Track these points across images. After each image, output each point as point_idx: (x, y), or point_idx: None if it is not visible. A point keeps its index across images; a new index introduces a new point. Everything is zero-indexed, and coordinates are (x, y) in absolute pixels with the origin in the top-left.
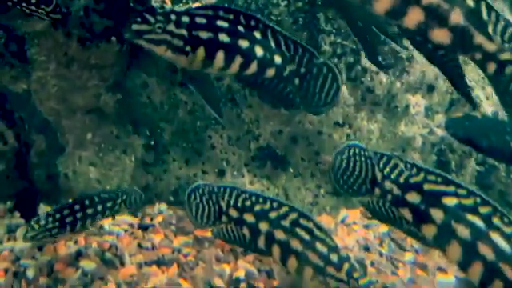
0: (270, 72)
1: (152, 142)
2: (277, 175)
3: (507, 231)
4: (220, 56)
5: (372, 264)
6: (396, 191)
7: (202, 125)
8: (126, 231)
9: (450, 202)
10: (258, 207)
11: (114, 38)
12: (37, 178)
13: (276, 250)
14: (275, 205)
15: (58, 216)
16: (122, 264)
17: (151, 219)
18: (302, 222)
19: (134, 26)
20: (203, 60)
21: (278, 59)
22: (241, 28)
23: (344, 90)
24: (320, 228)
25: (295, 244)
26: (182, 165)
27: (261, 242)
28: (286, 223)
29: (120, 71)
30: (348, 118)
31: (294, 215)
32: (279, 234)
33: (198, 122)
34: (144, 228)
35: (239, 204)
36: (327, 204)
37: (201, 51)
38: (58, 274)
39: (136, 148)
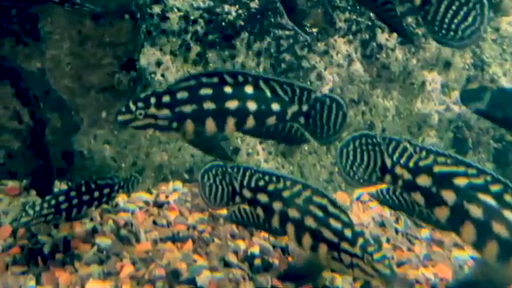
0: (271, 120)
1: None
2: (291, 152)
3: None
4: (210, 123)
5: (388, 240)
6: (407, 176)
7: None
8: (141, 208)
9: (461, 182)
10: (271, 186)
11: (127, 16)
12: (52, 156)
13: (290, 228)
14: (289, 183)
15: (53, 202)
16: (138, 240)
17: (166, 197)
18: (316, 199)
19: (119, 118)
20: (195, 130)
21: (276, 107)
22: (228, 89)
23: (359, 66)
24: (334, 204)
25: (309, 221)
26: None
27: (275, 222)
28: (299, 201)
29: (134, 49)
30: (363, 95)
31: (307, 193)
32: (293, 213)
33: None
34: (159, 205)
35: (252, 184)
36: (343, 181)
37: (189, 124)
38: (73, 251)
39: None
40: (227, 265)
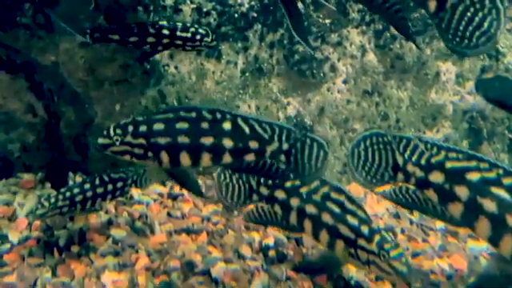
0: (249, 157)
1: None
2: None
3: None
4: (184, 157)
5: (402, 231)
6: (419, 173)
7: (230, 94)
8: (155, 201)
9: (474, 177)
10: (288, 183)
11: (140, 8)
12: (67, 149)
13: (308, 224)
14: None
15: (68, 195)
16: (152, 232)
17: (180, 189)
18: (334, 195)
19: (100, 140)
20: (170, 162)
21: (254, 145)
22: (204, 125)
23: (373, 57)
24: (352, 200)
25: (326, 218)
26: None
27: (292, 219)
28: (317, 197)
29: None
30: (377, 86)
31: (325, 189)
32: (310, 209)
33: (226, 91)
34: (173, 197)
35: (270, 181)
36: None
37: (164, 156)
38: (89, 243)
39: None
40: (242, 256)
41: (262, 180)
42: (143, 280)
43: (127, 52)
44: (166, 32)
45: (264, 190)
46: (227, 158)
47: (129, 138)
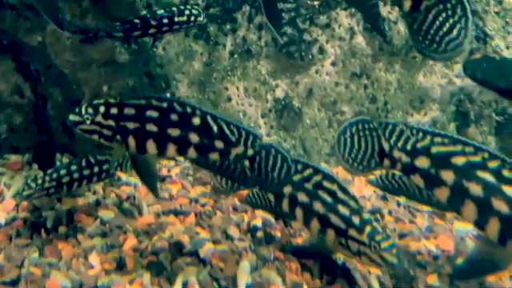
0: (214, 156)
1: (168, 94)
2: (293, 126)
3: None
4: (151, 144)
5: (390, 213)
6: (405, 159)
7: (219, 76)
8: None
9: (459, 161)
10: None
11: None
12: (54, 130)
13: (299, 212)
14: (300, 167)
15: (55, 176)
16: (140, 213)
17: (168, 170)
18: (326, 184)
19: (71, 117)
20: (136, 147)
21: (219, 144)
22: (174, 116)
23: (361, 40)
24: (344, 190)
25: (317, 206)
26: None
27: (285, 205)
28: (309, 186)
29: None
30: (365, 69)
31: (318, 177)
32: (302, 197)
33: (215, 73)
34: (161, 179)
35: None
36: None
37: (131, 140)
38: (76, 224)
39: None
40: (230, 237)
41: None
42: (131, 260)
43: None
44: (165, 21)
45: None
46: (192, 153)
47: (99, 118)
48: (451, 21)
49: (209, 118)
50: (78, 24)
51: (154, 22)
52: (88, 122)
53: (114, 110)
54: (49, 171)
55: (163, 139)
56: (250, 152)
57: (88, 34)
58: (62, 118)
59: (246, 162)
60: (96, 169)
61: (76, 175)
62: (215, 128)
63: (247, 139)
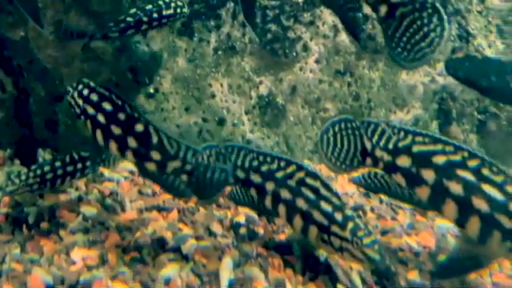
0: (150, 166)
1: (152, 90)
2: (277, 123)
3: (498, 180)
4: (99, 134)
5: (372, 210)
6: (387, 158)
7: (203, 73)
8: (126, 178)
9: (440, 160)
10: (265, 167)
11: None
12: (36, 125)
13: (282, 209)
14: (283, 164)
15: (38, 172)
16: (123, 209)
17: None
18: (309, 180)
19: (67, 88)
20: (91, 132)
21: (156, 156)
22: (121, 116)
23: (345, 37)
24: (327, 187)
25: (300, 203)
26: (182, 113)
27: (268, 202)
28: (292, 182)
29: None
30: (349, 66)
31: (300, 174)
32: (285, 194)
33: (199, 69)
34: None
35: (246, 164)
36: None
37: (88, 123)
38: (59, 220)
39: (135, 96)
40: (212, 233)
41: (238, 163)
42: (113, 256)
43: (99, 28)
44: (155, 15)
45: (240, 174)
46: (130, 156)
47: (75, 95)
48: (426, 29)
49: (151, 128)
50: (73, 27)
51: (145, 19)
52: (68, 96)
53: (85, 92)
54: (32, 167)
55: (107, 133)
56: (188, 167)
57: (84, 38)
58: (45, 113)
59: (184, 177)
60: (79, 165)
61: (60, 171)
62: (155, 139)
63: (186, 154)
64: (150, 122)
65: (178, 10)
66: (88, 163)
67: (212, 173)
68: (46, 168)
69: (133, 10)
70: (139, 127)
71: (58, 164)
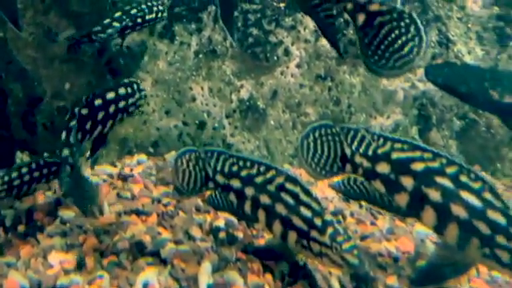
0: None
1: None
2: (258, 127)
3: (475, 187)
4: None
5: (352, 214)
6: (366, 164)
7: (183, 76)
8: (104, 181)
9: (418, 167)
10: (244, 172)
11: None
12: (14, 127)
13: (261, 214)
14: (262, 169)
15: (6, 179)
16: (101, 213)
17: (131, 170)
18: (288, 186)
19: None
20: None
21: (65, 152)
22: (84, 111)
23: (326, 42)
24: (306, 192)
25: (280, 208)
26: (163, 116)
27: (247, 207)
28: (271, 188)
29: (98, 20)
30: (330, 71)
31: (280, 179)
32: (264, 199)
33: (179, 73)
34: (123, 178)
35: (226, 169)
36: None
37: None
38: (36, 223)
39: None
40: (192, 238)
41: (218, 168)
42: (91, 260)
43: (78, 29)
44: (139, 20)
45: (220, 178)
46: None
47: None
48: (404, 38)
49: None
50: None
51: (130, 23)
52: None
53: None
54: (0, 174)
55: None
56: (70, 160)
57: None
58: (23, 115)
59: (68, 169)
60: (45, 171)
61: (27, 178)
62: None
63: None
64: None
65: (159, 15)
66: (53, 168)
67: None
68: (14, 174)
69: (118, 14)
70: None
71: (24, 170)
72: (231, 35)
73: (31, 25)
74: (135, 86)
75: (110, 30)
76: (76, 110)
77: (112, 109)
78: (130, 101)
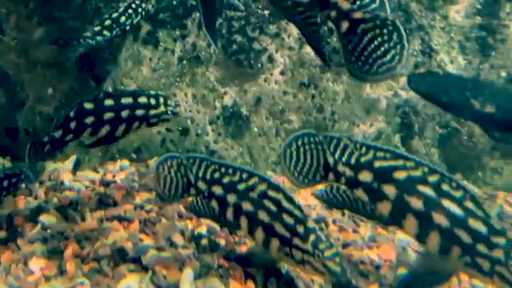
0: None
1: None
2: (241, 134)
3: (457, 195)
4: None
5: (334, 222)
6: (349, 173)
7: (167, 82)
8: (87, 187)
9: (401, 175)
10: (226, 179)
11: None
12: None
13: (243, 221)
14: (245, 176)
15: None
16: (83, 219)
17: (113, 176)
18: (271, 193)
19: None
20: None
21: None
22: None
23: (310, 49)
24: (289, 199)
25: (262, 215)
26: None
27: (229, 214)
28: (253, 195)
29: (82, 25)
30: (314, 79)
31: (262, 186)
32: (246, 206)
33: (163, 79)
34: (106, 184)
35: (208, 176)
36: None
37: None
38: (17, 229)
39: None
40: (174, 244)
41: (200, 174)
42: (72, 267)
43: (62, 35)
44: (128, 28)
45: (202, 185)
46: None
47: None
48: (386, 45)
49: None
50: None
51: (120, 33)
52: None
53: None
54: None
55: None
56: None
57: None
58: (5, 120)
59: None
60: (5, 183)
61: None
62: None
63: None
64: None
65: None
66: (13, 180)
67: None
68: None
69: (108, 22)
70: None
71: None
72: (214, 42)
73: (14, 29)
74: (161, 100)
75: (99, 38)
76: (83, 104)
77: (125, 113)
78: (152, 112)
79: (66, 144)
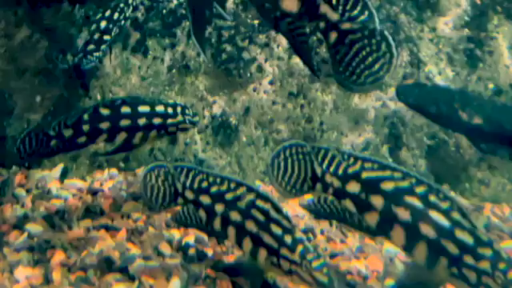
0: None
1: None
2: (230, 143)
3: (444, 206)
4: None
5: (322, 232)
6: (337, 184)
7: (156, 91)
8: (74, 196)
9: (388, 186)
10: (214, 188)
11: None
12: None
13: (231, 231)
14: (233, 185)
15: None
16: (70, 228)
17: (101, 184)
18: (259, 203)
19: None
20: None
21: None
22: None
23: (299, 60)
24: (277, 209)
25: (250, 225)
26: None
27: (217, 224)
28: (241, 204)
29: (71, 34)
30: (302, 89)
31: (251, 196)
32: (234, 216)
33: (152, 87)
34: (93, 193)
35: (195, 185)
36: None
37: None
38: (3, 237)
39: None
40: (161, 254)
41: (187, 183)
42: (58, 276)
43: (51, 43)
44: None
45: (189, 194)
46: None
47: None
48: (375, 55)
49: None
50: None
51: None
52: None
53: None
54: None
55: None
56: None
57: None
58: None
59: None
60: None
61: None
62: None
63: None
64: None
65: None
66: None
67: None
68: None
69: (107, 37)
70: None
71: None
72: (203, 51)
73: (2, 37)
74: (179, 109)
75: (103, 47)
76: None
77: (142, 121)
78: (170, 121)
79: (78, 147)
